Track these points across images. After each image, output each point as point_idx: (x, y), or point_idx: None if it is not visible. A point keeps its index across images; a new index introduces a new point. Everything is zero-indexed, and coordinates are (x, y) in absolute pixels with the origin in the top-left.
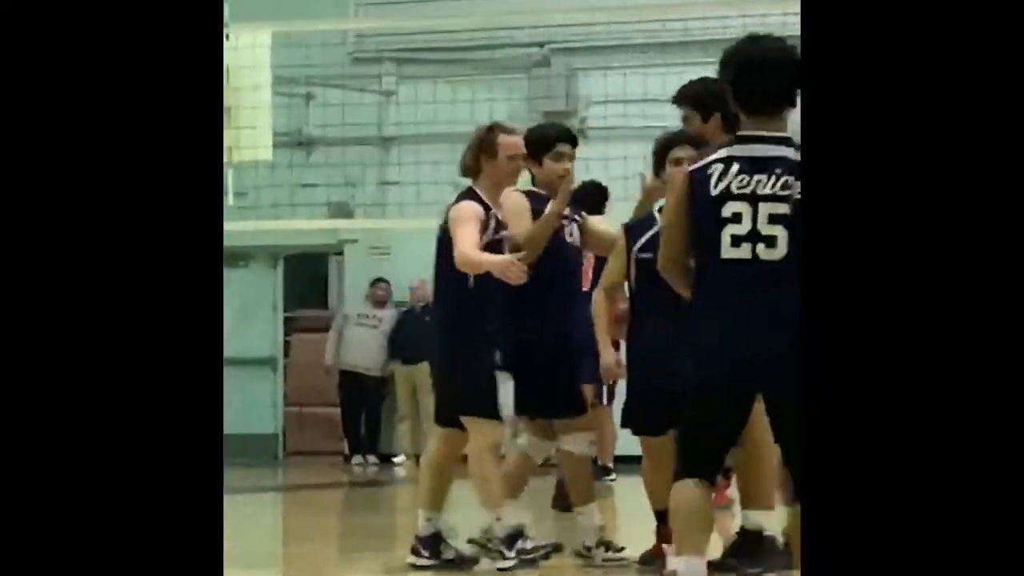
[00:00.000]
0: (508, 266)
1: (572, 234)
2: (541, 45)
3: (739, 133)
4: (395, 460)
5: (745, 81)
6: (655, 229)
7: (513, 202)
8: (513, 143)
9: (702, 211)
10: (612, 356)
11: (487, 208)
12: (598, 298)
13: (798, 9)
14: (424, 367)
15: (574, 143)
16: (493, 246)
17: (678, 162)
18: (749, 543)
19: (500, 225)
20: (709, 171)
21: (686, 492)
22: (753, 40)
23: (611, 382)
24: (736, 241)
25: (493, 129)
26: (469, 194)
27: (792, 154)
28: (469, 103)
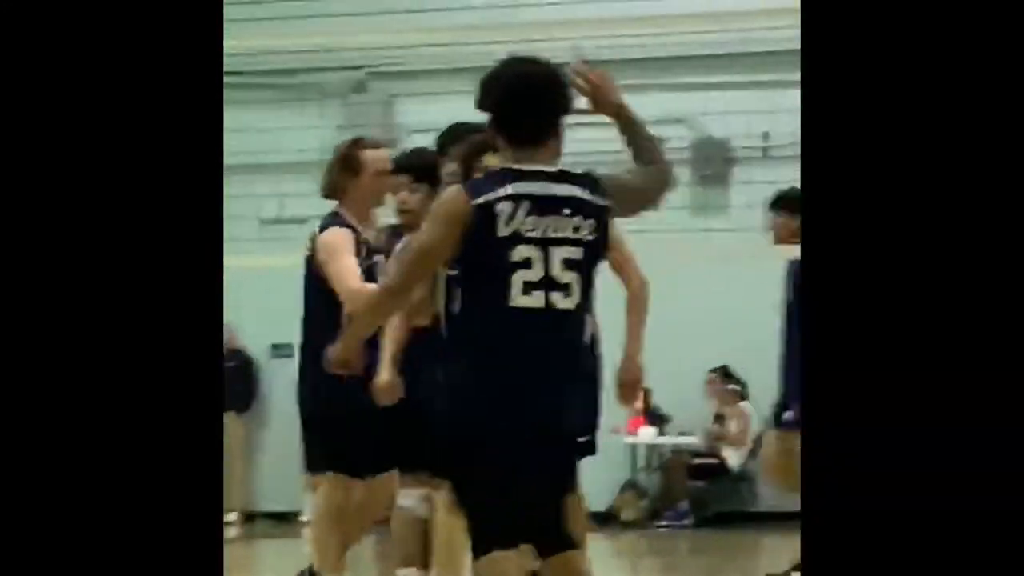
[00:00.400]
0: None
1: None
2: (357, 68)
3: (517, 167)
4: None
5: (508, 108)
6: None
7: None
8: (378, 157)
9: (486, 252)
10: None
11: (355, 231)
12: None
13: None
14: (228, 418)
15: (419, 172)
16: (366, 273)
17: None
18: None
19: (372, 250)
20: (496, 209)
21: (497, 567)
22: (515, 64)
23: None
24: (527, 288)
25: (356, 144)
26: (335, 219)
27: (581, 192)
28: (276, 131)
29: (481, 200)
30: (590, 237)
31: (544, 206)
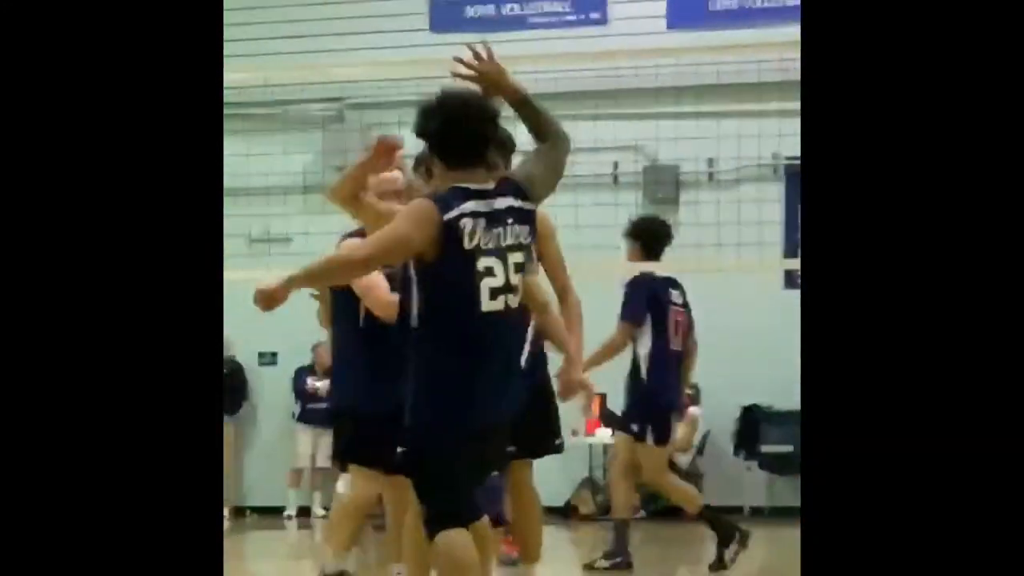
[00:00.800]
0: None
1: None
2: (336, 100)
3: (466, 186)
4: None
5: (446, 135)
6: None
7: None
8: (382, 180)
9: (454, 264)
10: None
11: None
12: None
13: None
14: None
15: None
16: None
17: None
18: None
19: None
20: (460, 224)
21: (453, 540)
22: (449, 96)
23: None
24: (493, 294)
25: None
26: (358, 232)
27: (515, 201)
28: (263, 157)
29: (447, 217)
30: (528, 240)
31: (493, 219)
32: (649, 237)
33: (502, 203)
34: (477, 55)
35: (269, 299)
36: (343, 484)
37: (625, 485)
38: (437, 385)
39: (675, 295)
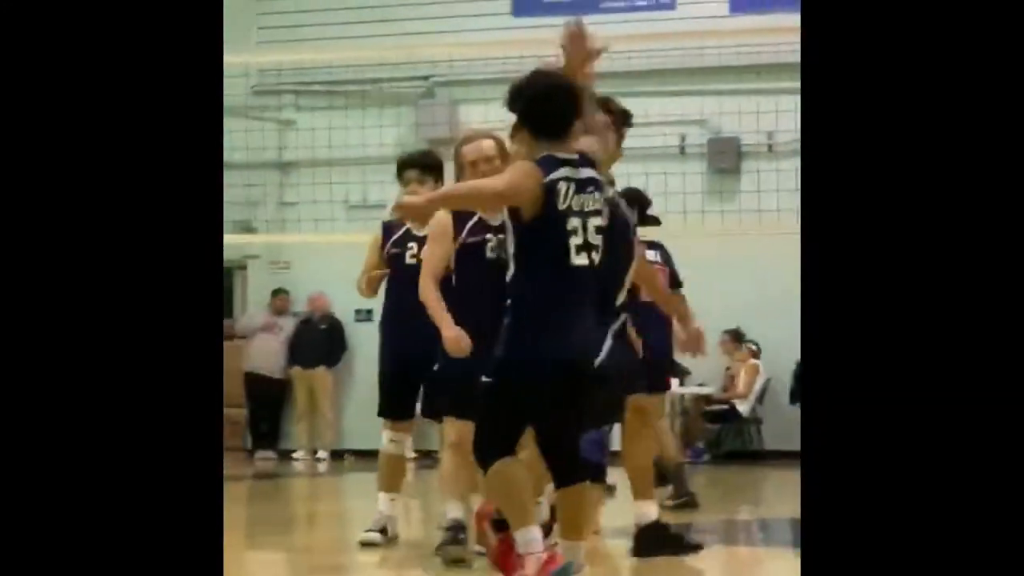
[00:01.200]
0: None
1: (492, 250)
2: (426, 78)
3: (559, 155)
4: (293, 455)
5: (534, 110)
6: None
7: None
8: (467, 151)
9: (550, 222)
10: (454, 331)
11: (471, 213)
12: (426, 285)
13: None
14: (320, 371)
15: (424, 168)
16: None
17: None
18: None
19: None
20: (557, 187)
21: (508, 470)
22: (539, 75)
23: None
24: (579, 251)
25: (461, 142)
26: None
27: (593, 173)
28: (360, 130)
29: (548, 179)
30: (605, 208)
31: (580, 186)
32: (636, 205)
33: (585, 173)
34: (575, 34)
35: (411, 210)
36: (386, 436)
37: (667, 433)
38: (529, 323)
39: (651, 255)
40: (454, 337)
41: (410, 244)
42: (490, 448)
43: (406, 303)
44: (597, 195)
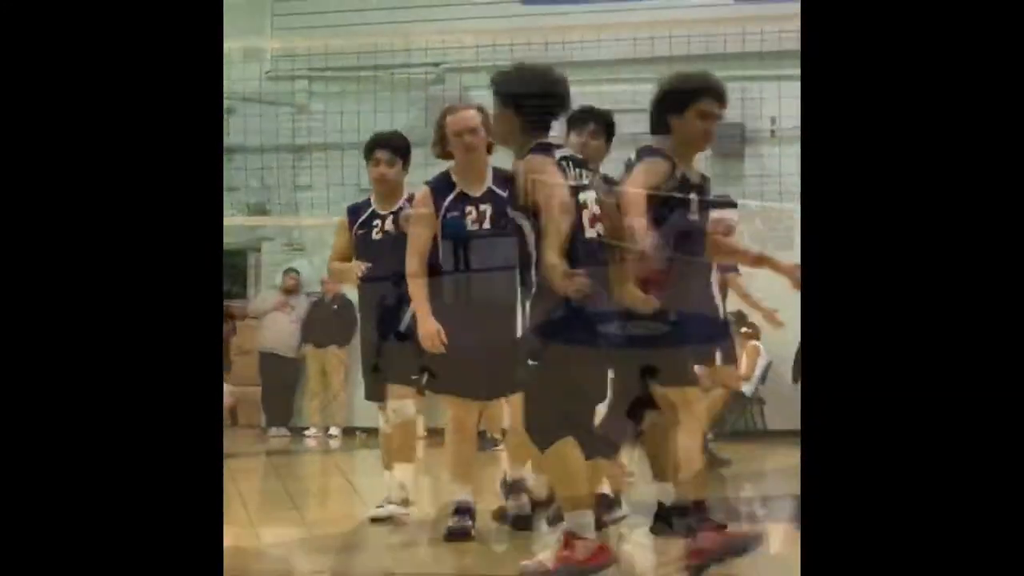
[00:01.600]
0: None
1: (473, 222)
2: (437, 65)
3: (552, 142)
4: (306, 432)
5: (523, 99)
6: None
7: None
8: (451, 121)
9: (568, 197)
10: (432, 327)
11: (451, 187)
12: (411, 264)
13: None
14: (332, 350)
15: (394, 149)
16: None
17: (704, 115)
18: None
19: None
20: (563, 164)
21: (564, 452)
22: (523, 68)
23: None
24: (592, 223)
25: (443, 113)
26: (439, 178)
27: (573, 154)
28: (372, 115)
29: (557, 156)
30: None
31: (574, 165)
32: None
33: (568, 151)
34: None
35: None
36: (391, 405)
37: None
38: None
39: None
40: (430, 333)
41: (375, 222)
42: (547, 429)
43: (379, 276)
44: (586, 171)
